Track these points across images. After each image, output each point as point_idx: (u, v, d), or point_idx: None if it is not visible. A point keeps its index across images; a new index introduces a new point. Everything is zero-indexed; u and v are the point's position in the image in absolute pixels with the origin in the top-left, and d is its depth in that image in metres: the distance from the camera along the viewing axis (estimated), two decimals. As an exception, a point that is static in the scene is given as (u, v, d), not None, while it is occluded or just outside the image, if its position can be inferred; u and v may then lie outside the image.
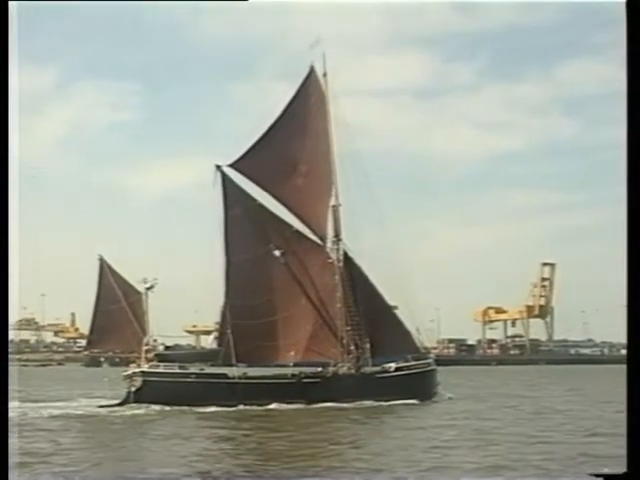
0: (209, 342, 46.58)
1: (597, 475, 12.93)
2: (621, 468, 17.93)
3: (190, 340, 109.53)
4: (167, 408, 35.22)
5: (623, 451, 20.73)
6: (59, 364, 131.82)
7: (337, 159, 41.17)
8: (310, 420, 32.04)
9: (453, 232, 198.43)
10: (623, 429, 25.29)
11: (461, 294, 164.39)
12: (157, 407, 35.49)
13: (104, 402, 36.85)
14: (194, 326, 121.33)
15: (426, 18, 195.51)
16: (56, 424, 30.18)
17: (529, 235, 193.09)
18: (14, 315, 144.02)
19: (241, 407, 35.81)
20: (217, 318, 41.75)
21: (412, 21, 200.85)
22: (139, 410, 34.92)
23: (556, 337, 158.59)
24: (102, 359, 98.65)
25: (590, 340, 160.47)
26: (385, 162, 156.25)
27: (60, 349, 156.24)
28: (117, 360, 69.52)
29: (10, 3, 12.08)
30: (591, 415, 33.15)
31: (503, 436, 25.30)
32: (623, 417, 28.27)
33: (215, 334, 42.12)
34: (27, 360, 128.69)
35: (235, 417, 33.42)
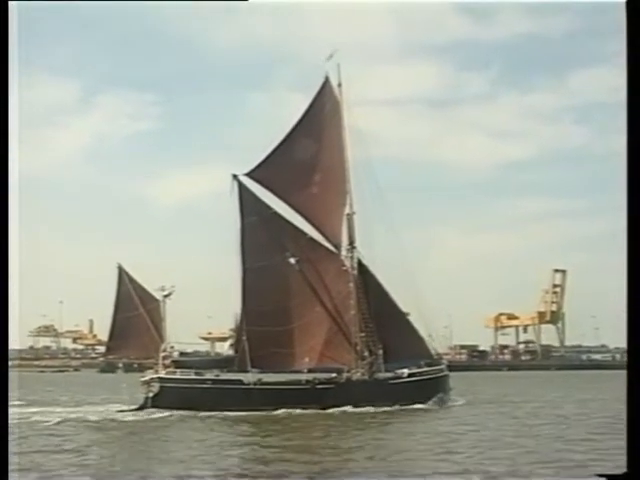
0: (225, 349, 47.07)
1: (600, 475, 13.47)
2: (568, 472, 18.71)
3: (206, 347, 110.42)
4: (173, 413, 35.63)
5: (581, 456, 21.58)
6: (75, 370, 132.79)
7: (351, 167, 41.63)
8: (297, 424, 32.51)
9: (465, 239, 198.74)
10: (599, 435, 26.17)
11: (473, 300, 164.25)
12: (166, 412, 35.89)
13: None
14: (209, 333, 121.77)
15: (438, 26, 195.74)
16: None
17: (540, 242, 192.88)
18: (33, 322, 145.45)
19: (242, 413, 35.64)
20: (231, 325, 42.21)
21: (423, 29, 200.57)
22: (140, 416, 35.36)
23: (568, 343, 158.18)
24: (120, 365, 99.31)
25: (604, 346, 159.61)
26: (398, 170, 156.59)
27: (77, 355, 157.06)
28: (135, 366, 70.08)
29: (10, 3, 12.17)
30: (576, 421, 33.16)
31: (473, 442, 25.68)
32: (608, 422, 29.19)
33: (231, 341, 42.57)
34: (45, 366, 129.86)
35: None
